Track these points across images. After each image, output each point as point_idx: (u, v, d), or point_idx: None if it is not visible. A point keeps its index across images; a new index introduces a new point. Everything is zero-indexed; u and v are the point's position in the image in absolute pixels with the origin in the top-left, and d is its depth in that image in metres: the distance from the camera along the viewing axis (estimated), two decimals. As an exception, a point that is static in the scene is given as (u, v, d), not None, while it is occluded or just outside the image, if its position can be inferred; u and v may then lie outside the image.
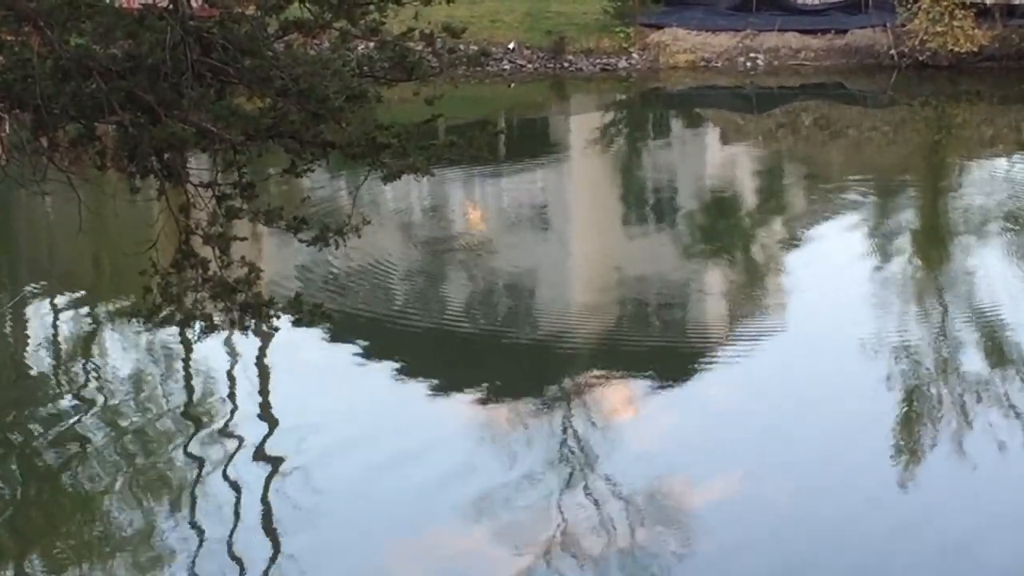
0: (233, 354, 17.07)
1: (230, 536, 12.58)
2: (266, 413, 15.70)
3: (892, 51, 40.29)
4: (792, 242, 23.62)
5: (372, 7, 8.57)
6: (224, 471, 13.97)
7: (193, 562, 12.06)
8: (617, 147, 35.15)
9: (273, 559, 12.19)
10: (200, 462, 14.22)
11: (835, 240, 23.45)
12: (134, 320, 9.14)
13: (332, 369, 17.13)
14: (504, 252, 23.03)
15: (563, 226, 25.53)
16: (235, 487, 13.61)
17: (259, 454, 14.39)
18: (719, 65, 42.17)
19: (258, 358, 17.12)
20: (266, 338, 16.99)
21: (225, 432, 15.00)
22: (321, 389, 16.46)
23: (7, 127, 9.37)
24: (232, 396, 16.08)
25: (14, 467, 14.48)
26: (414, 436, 14.76)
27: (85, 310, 20.03)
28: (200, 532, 12.67)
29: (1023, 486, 13.25)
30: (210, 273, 8.89)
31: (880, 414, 14.93)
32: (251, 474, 13.90)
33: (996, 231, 23.64)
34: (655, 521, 12.74)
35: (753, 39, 42.39)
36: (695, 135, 36.49)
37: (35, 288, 21.33)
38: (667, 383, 16.54)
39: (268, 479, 13.78)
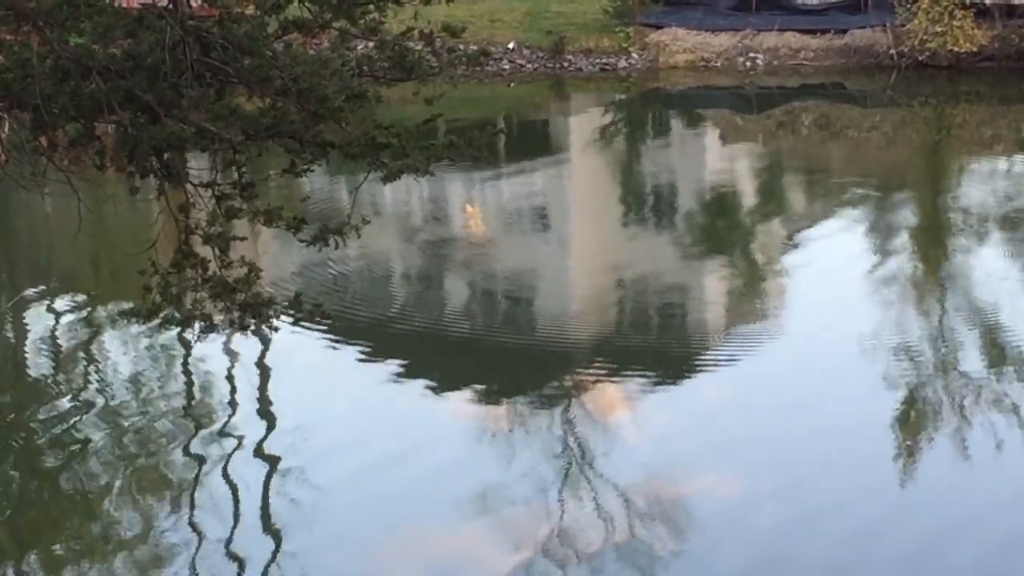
0: (232, 354, 17.07)
1: (230, 534, 12.59)
2: (265, 413, 15.70)
3: (892, 51, 40.29)
4: (791, 242, 23.62)
5: (371, 7, 8.56)
6: (224, 469, 13.98)
7: (193, 561, 12.06)
8: (616, 147, 35.15)
9: (273, 557, 12.20)
10: (200, 461, 14.22)
11: (834, 240, 23.46)
12: (134, 320, 9.11)
13: (330, 369, 17.13)
14: (503, 252, 23.04)
15: (562, 226, 25.53)
16: (235, 486, 13.61)
17: (258, 453, 14.40)
18: (719, 65, 42.17)
19: (258, 359, 17.13)
20: (265, 339, 17.00)
21: (224, 432, 15.00)
22: (319, 389, 16.46)
23: (7, 127, 9.37)
24: (231, 395, 16.10)
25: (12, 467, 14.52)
26: (412, 435, 14.78)
27: (84, 310, 20.02)
28: (200, 531, 12.66)
29: (1019, 484, 13.25)
30: (210, 273, 8.88)
31: (876, 413, 14.94)
32: (250, 473, 13.90)
33: (995, 231, 23.64)
34: (651, 518, 12.76)
35: (753, 39, 42.38)
36: (695, 135, 36.48)
37: (34, 288, 21.32)
38: (665, 382, 16.55)
39: (267, 478, 13.79)
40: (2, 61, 8.25)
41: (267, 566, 12.05)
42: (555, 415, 15.48)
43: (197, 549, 12.27)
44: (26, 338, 18.91)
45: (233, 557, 12.27)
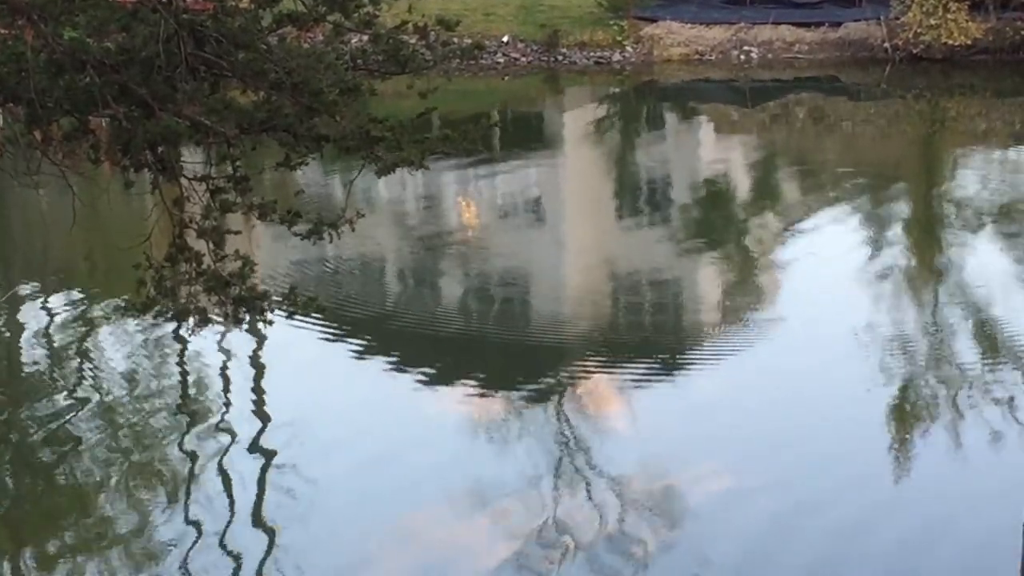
0: (227, 349, 17.06)
1: (225, 529, 12.59)
2: (260, 407, 15.70)
3: (886, 44, 40.32)
4: (785, 235, 23.64)
5: (365, 0, 8.56)
6: (219, 464, 13.98)
7: (187, 556, 12.06)
8: (611, 140, 35.15)
9: (268, 551, 12.20)
10: (195, 456, 14.22)
11: (828, 232, 23.47)
12: (128, 314, 9.12)
13: (325, 364, 17.13)
14: (497, 246, 23.04)
15: (556, 219, 25.53)
16: (230, 481, 13.61)
17: (253, 448, 14.40)
18: (713, 58, 42.19)
19: (253, 353, 17.12)
20: (260, 333, 16.99)
21: (219, 427, 15.00)
22: (314, 383, 16.46)
23: (0, 121, 9.35)
24: (226, 390, 16.09)
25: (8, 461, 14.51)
26: (406, 429, 14.79)
27: (79, 305, 20.00)
28: (195, 526, 12.66)
29: (1013, 477, 13.26)
30: (204, 267, 8.87)
31: (870, 407, 14.94)
32: (246, 468, 13.90)
33: (988, 223, 23.66)
34: (643, 511, 12.77)
35: (747, 32, 42.41)
36: (689, 128, 36.49)
37: (29, 283, 21.30)
38: (659, 375, 16.56)
39: (262, 472, 13.79)
40: (-4, 55, 8.24)
41: (262, 561, 12.06)
42: (549, 408, 15.49)
43: (192, 544, 12.27)
44: (20, 333, 18.88)
45: (228, 552, 12.27)
